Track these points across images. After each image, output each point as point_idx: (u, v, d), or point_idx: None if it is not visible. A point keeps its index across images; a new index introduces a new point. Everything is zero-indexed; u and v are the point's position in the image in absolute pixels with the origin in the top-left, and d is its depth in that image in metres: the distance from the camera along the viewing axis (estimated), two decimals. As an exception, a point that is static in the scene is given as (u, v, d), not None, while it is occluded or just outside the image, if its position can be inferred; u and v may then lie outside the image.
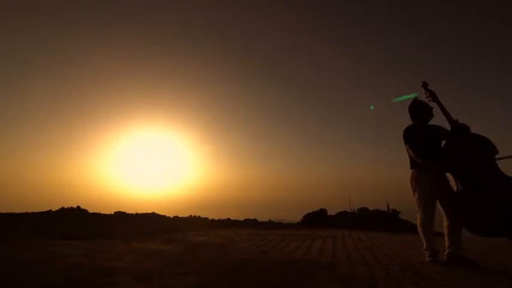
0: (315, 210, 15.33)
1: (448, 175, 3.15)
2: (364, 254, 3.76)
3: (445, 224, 3.09)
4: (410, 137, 3.25)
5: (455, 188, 3.06)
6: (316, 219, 14.36)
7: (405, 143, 3.28)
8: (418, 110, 3.34)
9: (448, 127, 3.24)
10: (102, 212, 11.36)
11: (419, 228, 3.19)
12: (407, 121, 3.40)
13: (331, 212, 15.34)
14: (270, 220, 13.40)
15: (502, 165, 2.98)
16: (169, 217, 11.81)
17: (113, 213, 11.58)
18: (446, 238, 3.07)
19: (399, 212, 14.02)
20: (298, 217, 15.74)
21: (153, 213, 12.03)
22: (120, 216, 11.12)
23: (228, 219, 12.54)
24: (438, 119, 3.30)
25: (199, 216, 12.75)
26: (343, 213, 15.02)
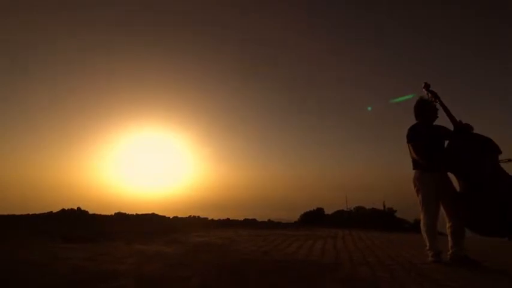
0: (312, 209, 15.29)
1: (452, 176, 3.15)
2: (365, 255, 3.75)
3: (448, 224, 3.08)
4: (413, 136, 3.22)
5: (458, 189, 3.06)
6: (314, 218, 14.33)
7: (407, 142, 3.24)
8: (423, 109, 3.30)
9: (451, 127, 3.22)
10: (103, 213, 11.34)
11: (422, 229, 3.18)
12: (407, 121, 3.38)
13: (328, 211, 15.31)
14: (269, 220, 13.38)
15: (504, 165, 2.97)
16: (169, 217, 11.76)
17: (113, 214, 11.55)
18: (449, 238, 3.05)
19: (395, 211, 14.04)
20: (295, 216, 15.63)
21: (153, 214, 11.99)
22: (121, 217, 11.09)
23: (228, 219, 12.49)
24: (441, 120, 3.29)
25: (198, 217, 12.71)
26: (340, 212, 14.97)
